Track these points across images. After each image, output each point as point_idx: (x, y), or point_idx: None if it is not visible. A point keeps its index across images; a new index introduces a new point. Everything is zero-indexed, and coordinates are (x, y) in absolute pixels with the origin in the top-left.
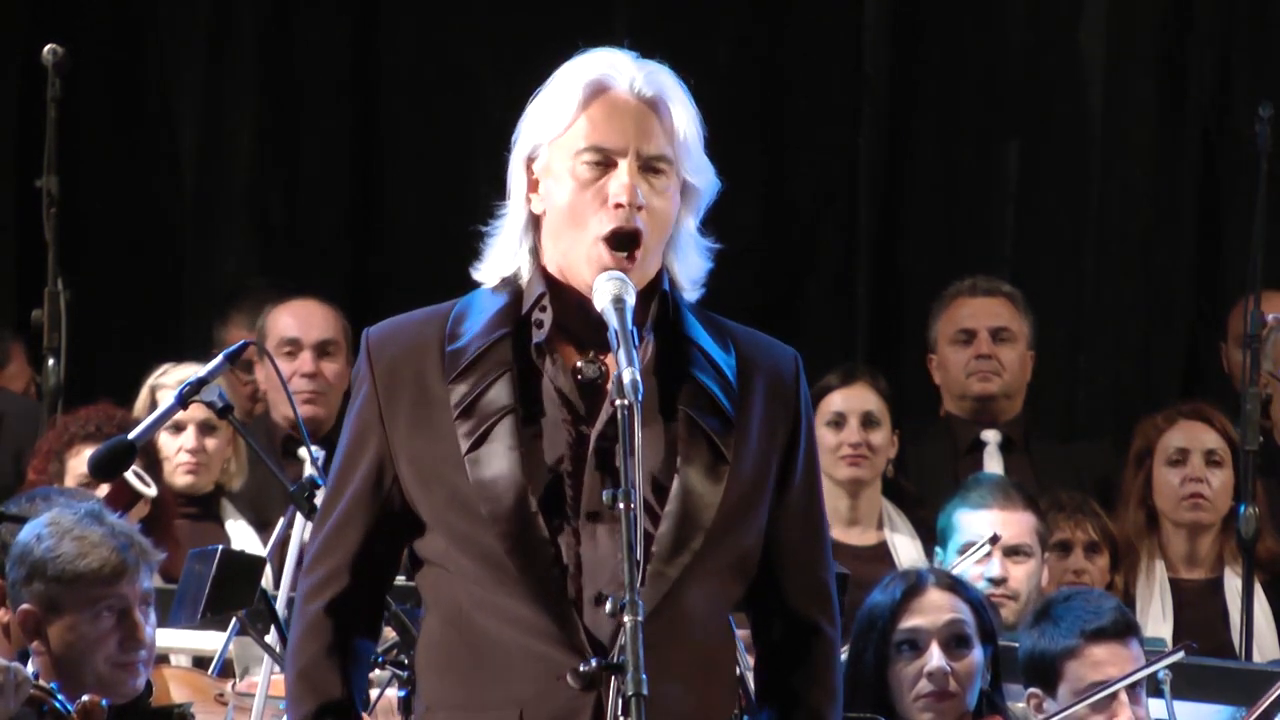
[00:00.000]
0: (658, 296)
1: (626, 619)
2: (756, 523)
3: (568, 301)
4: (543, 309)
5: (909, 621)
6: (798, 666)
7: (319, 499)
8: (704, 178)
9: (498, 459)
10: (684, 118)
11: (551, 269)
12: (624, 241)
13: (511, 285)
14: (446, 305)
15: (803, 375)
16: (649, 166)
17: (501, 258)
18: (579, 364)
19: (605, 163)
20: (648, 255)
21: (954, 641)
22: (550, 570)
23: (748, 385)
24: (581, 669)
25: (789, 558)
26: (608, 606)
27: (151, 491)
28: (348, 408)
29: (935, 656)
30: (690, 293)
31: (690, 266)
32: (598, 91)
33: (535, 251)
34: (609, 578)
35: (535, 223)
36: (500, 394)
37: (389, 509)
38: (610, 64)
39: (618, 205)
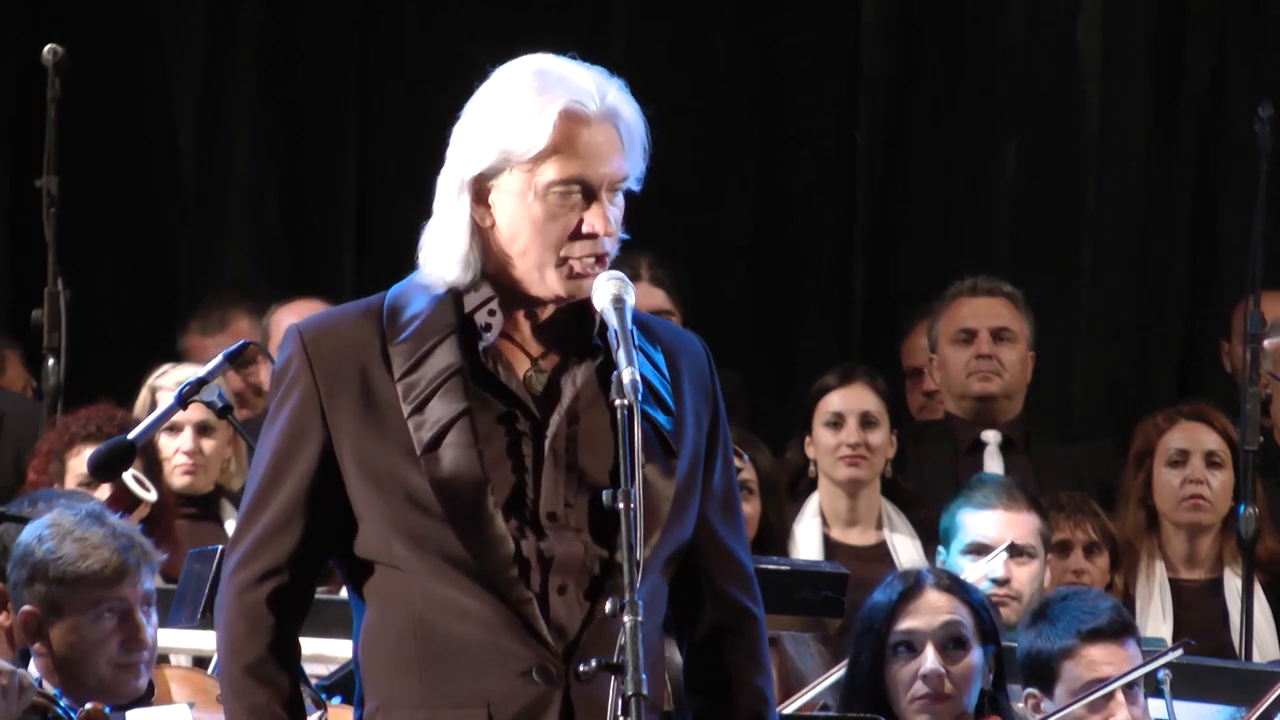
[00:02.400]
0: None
1: (626, 619)
2: (693, 514)
3: (515, 308)
4: (491, 313)
5: (905, 623)
6: (734, 649)
7: None
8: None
9: (455, 457)
10: (637, 129)
11: (499, 275)
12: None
13: (443, 279)
14: (376, 299)
15: (712, 362)
16: (613, 188)
17: (447, 260)
18: (528, 373)
19: (582, 194)
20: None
21: (950, 643)
22: (510, 566)
23: (677, 378)
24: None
25: (714, 542)
26: (608, 606)
27: (151, 496)
28: (275, 400)
29: (930, 659)
30: None
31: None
32: (570, 119)
33: (479, 258)
34: (573, 571)
35: (478, 231)
36: (454, 393)
37: (330, 508)
38: (573, 83)
39: (590, 235)
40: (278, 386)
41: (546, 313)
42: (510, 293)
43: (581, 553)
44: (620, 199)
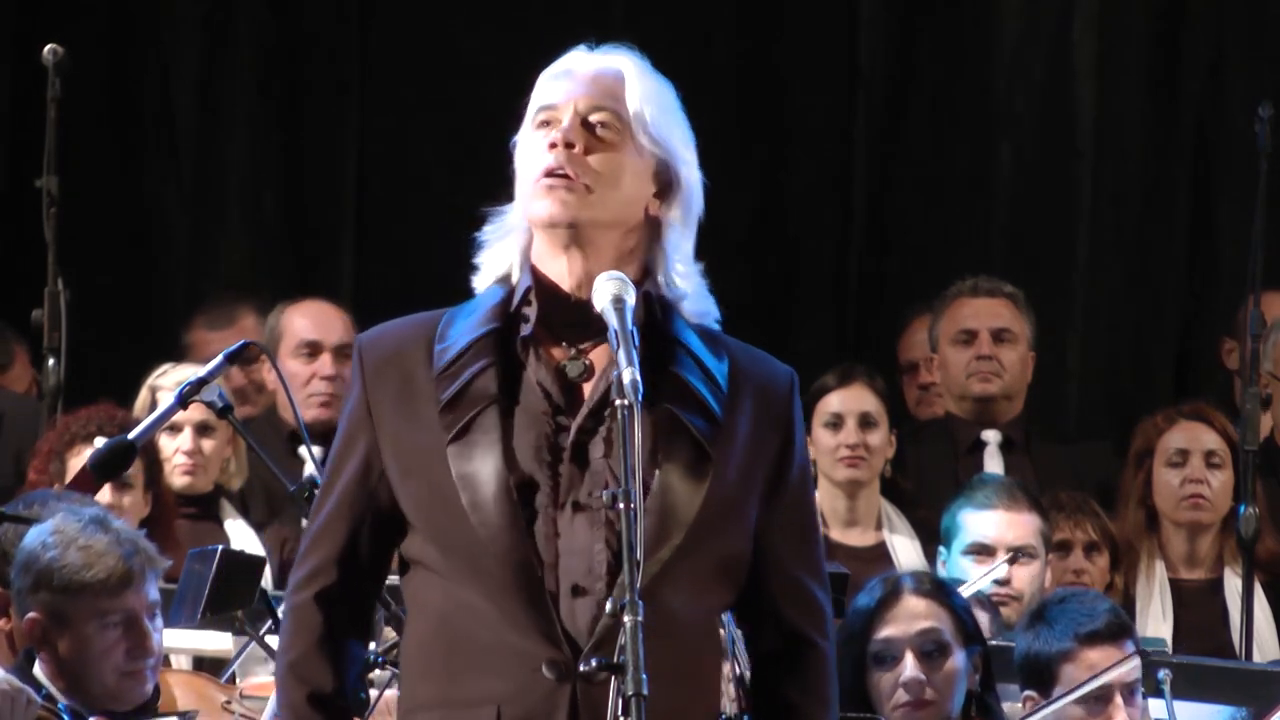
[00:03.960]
0: (640, 298)
1: (626, 619)
2: (742, 528)
3: (552, 297)
4: (528, 303)
5: (883, 631)
6: (790, 679)
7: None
8: (682, 166)
9: (480, 450)
10: (640, 89)
11: (535, 262)
12: (551, 176)
13: (505, 284)
14: (440, 310)
15: (796, 393)
16: (591, 122)
17: (495, 258)
18: (564, 362)
19: (549, 121)
20: (589, 199)
21: (929, 650)
22: (528, 563)
23: (738, 393)
24: (582, 668)
25: (777, 570)
26: (608, 606)
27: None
28: (342, 412)
29: (909, 666)
30: (687, 303)
31: (681, 273)
32: (556, 69)
33: (526, 251)
34: (585, 570)
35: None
36: (484, 386)
37: (376, 505)
38: (578, 50)
39: (550, 146)
40: (345, 400)
41: (585, 296)
42: (548, 282)
43: (602, 550)
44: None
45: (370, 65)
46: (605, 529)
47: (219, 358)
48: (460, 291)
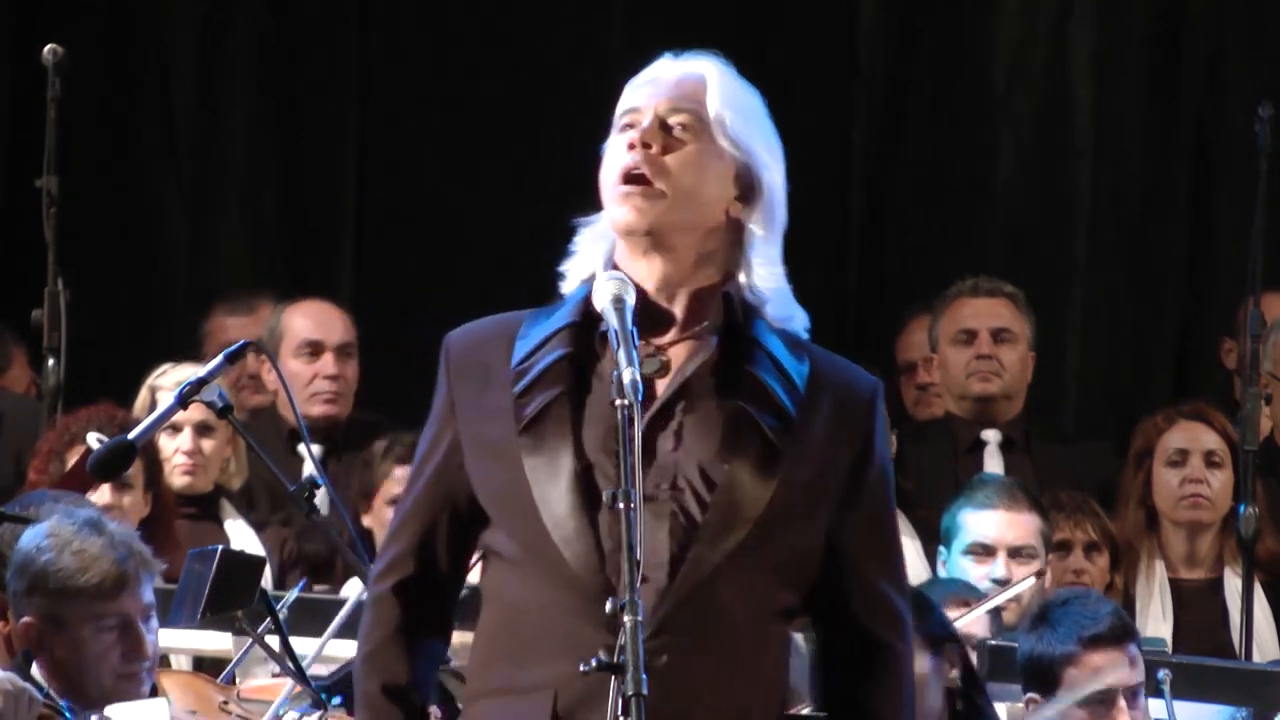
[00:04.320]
0: (720, 299)
1: (626, 619)
2: (812, 529)
3: (639, 293)
4: None
5: None
6: (864, 679)
7: (318, 499)
8: (764, 169)
9: (550, 439)
10: (721, 92)
11: (620, 263)
12: (631, 181)
13: (589, 285)
14: (526, 310)
15: (880, 401)
16: (667, 126)
17: (583, 260)
18: (641, 357)
19: (631, 124)
20: (667, 202)
21: None
22: (592, 551)
23: (816, 396)
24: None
25: (851, 575)
26: (608, 606)
27: None
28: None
29: None
30: (770, 307)
31: (763, 277)
32: (641, 76)
33: (611, 252)
34: (647, 559)
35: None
36: (556, 376)
37: (455, 497)
38: (665, 58)
39: (629, 147)
40: (434, 405)
41: (671, 295)
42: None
43: (665, 540)
44: (707, 157)
45: (370, 65)
46: (670, 520)
47: (219, 358)
48: (463, 289)
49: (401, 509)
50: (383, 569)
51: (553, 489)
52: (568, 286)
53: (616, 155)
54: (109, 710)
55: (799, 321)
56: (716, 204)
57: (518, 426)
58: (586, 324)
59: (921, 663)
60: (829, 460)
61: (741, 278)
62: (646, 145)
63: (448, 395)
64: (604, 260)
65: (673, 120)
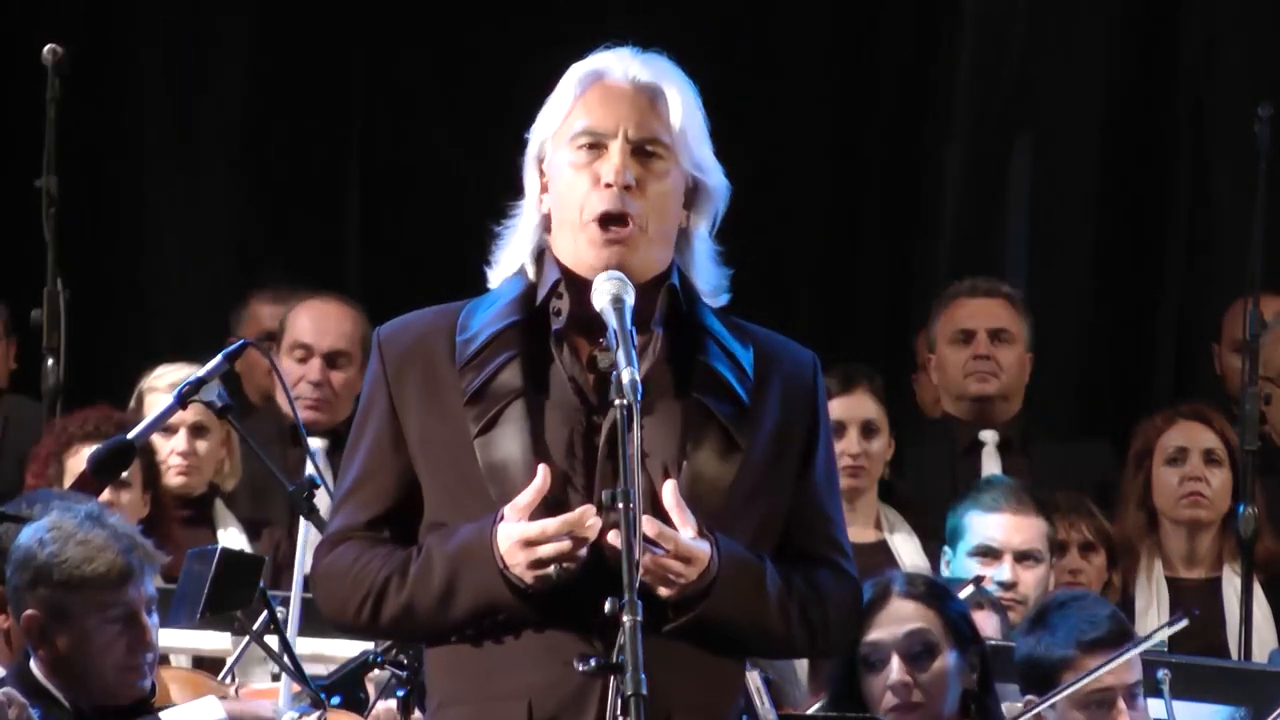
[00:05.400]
0: (665, 290)
1: (626, 619)
2: (770, 515)
3: (580, 292)
4: (559, 295)
5: (871, 635)
6: (818, 569)
7: (317, 499)
8: (711, 177)
9: (508, 442)
10: (681, 107)
11: (564, 261)
12: (612, 223)
13: (523, 278)
14: (460, 302)
15: (820, 376)
16: (642, 150)
17: (511, 256)
18: (594, 353)
19: (596, 145)
20: (645, 239)
21: (916, 652)
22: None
23: (764, 379)
24: (581, 668)
25: (803, 526)
26: (607, 606)
27: None
28: (360, 408)
29: (895, 670)
30: (711, 299)
31: (705, 274)
32: (593, 80)
33: (547, 248)
34: (618, 563)
35: (547, 223)
36: (510, 379)
37: (404, 477)
38: (610, 56)
39: (606, 185)
40: (365, 388)
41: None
42: (575, 277)
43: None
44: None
45: (370, 65)
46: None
47: (218, 357)
48: (464, 287)
49: (340, 493)
50: (325, 544)
51: (515, 494)
52: (495, 278)
53: (585, 185)
54: (165, 714)
55: (725, 288)
56: (676, 221)
57: (473, 430)
58: (531, 321)
59: (947, 659)
60: (782, 445)
61: (690, 271)
62: (628, 187)
63: (385, 392)
64: (531, 252)
65: (644, 145)
